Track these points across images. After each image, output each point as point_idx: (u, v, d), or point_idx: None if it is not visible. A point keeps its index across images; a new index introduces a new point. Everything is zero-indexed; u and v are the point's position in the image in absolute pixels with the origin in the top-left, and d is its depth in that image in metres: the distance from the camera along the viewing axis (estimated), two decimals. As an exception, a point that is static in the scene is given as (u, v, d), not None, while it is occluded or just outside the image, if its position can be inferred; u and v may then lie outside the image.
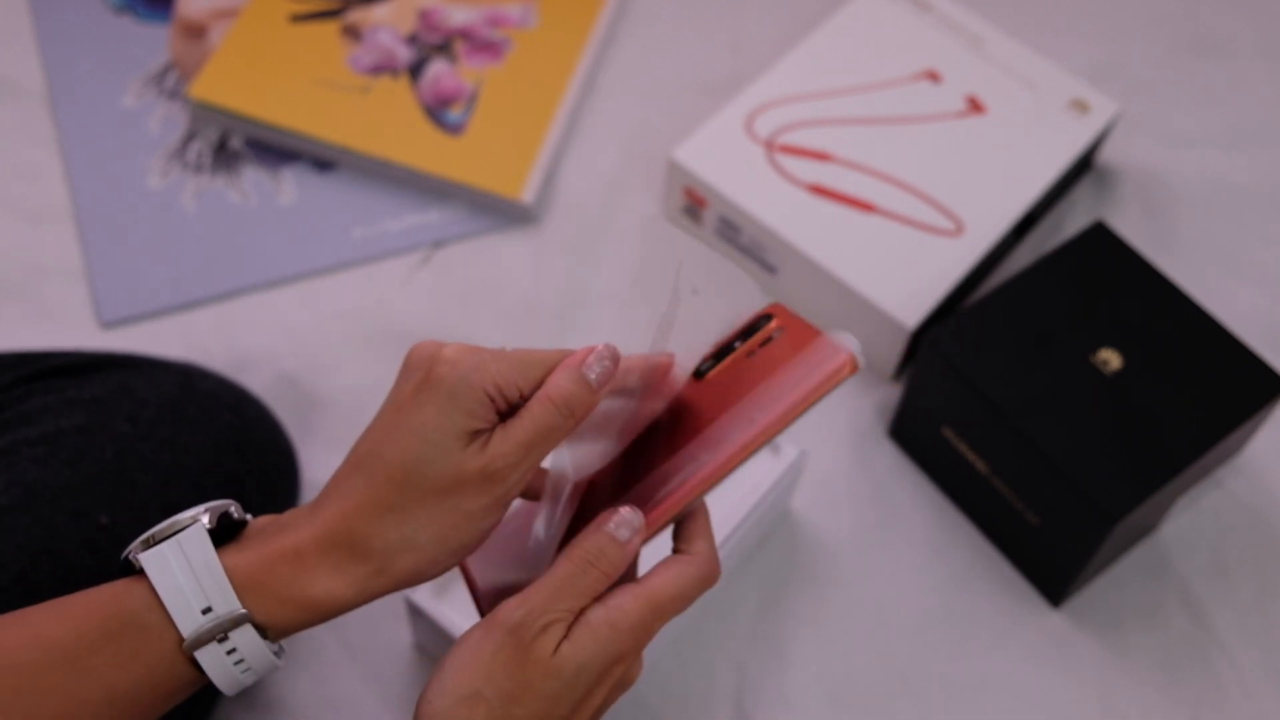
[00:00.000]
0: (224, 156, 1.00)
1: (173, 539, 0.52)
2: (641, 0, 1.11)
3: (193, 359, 0.88)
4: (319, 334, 0.92)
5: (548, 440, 0.54)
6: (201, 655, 0.51)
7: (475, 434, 0.53)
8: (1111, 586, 0.85)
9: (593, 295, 0.95)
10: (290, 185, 0.99)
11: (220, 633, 0.51)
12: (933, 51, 1.00)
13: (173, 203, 0.97)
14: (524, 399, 0.54)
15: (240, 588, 0.51)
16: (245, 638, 0.51)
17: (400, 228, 0.97)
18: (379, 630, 0.81)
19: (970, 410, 0.81)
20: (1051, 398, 0.79)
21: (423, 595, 0.74)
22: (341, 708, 0.78)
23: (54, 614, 0.52)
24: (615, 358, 0.55)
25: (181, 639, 0.51)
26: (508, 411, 0.54)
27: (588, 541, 0.53)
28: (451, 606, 0.74)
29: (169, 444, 0.71)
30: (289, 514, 0.54)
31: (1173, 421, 0.78)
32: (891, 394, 0.92)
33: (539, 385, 0.54)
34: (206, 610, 0.51)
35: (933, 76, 0.99)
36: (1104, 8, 1.13)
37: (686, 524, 0.56)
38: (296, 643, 0.80)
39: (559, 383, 0.54)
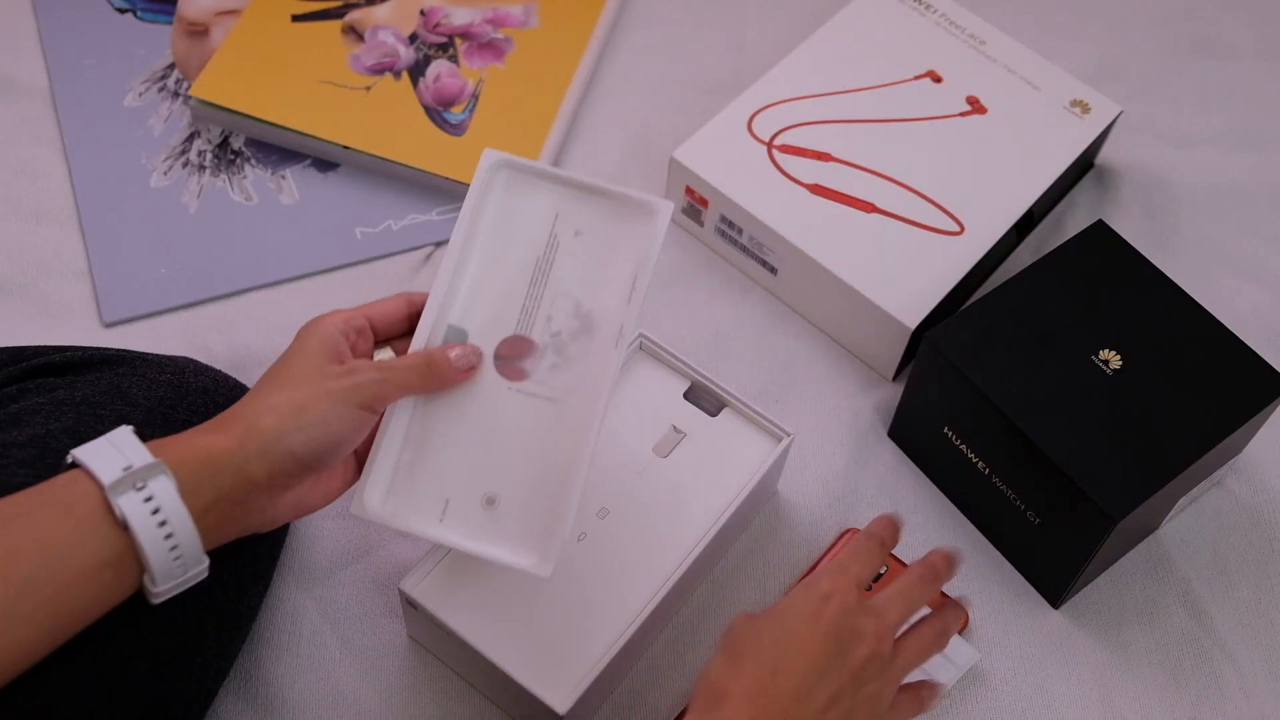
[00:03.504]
0: (226, 156, 1.00)
1: (100, 438, 0.60)
2: (643, 0, 1.11)
3: (194, 358, 0.89)
4: (320, 333, 0.92)
5: (404, 375, 0.68)
6: (124, 501, 0.58)
7: (338, 356, 0.67)
8: (1111, 586, 0.85)
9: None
10: (292, 185, 0.99)
11: (138, 480, 0.58)
12: (934, 51, 1.00)
13: (175, 202, 0.97)
14: (376, 333, 0.70)
15: (151, 449, 0.60)
16: (161, 487, 0.59)
17: (401, 227, 0.97)
18: (376, 627, 0.81)
19: (970, 410, 0.81)
20: (1051, 398, 0.79)
21: (417, 589, 0.74)
22: (340, 702, 0.78)
23: (24, 459, 0.62)
24: (479, 356, 0.71)
25: (103, 489, 0.58)
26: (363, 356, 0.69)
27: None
28: (446, 601, 0.75)
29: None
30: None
31: (1173, 421, 0.78)
32: (891, 394, 0.92)
33: (385, 318, 0.70)
34: (126, 467, 0.58)
35: (934, 76, 0.99)
36: (1105, 8, 1.13)
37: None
38: (296, 640, 0.80)
39: (432, 350, 0.69)
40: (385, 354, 0.72)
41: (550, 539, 0.68)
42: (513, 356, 0.71)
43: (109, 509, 0.58)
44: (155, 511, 0.59)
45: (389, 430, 0.70)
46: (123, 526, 0.58)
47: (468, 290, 0.72)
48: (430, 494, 0.70)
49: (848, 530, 0.85)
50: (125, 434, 0.61)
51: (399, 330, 0.72)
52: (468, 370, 0.70)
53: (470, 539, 0.69)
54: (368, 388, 0.65)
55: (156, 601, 0.61)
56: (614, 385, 0.70)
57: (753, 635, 0.64)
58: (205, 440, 0.62)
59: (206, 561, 0.61)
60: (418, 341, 0.70)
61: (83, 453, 0.60)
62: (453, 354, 0.70)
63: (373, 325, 0.70)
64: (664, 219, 0.71)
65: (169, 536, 0.59)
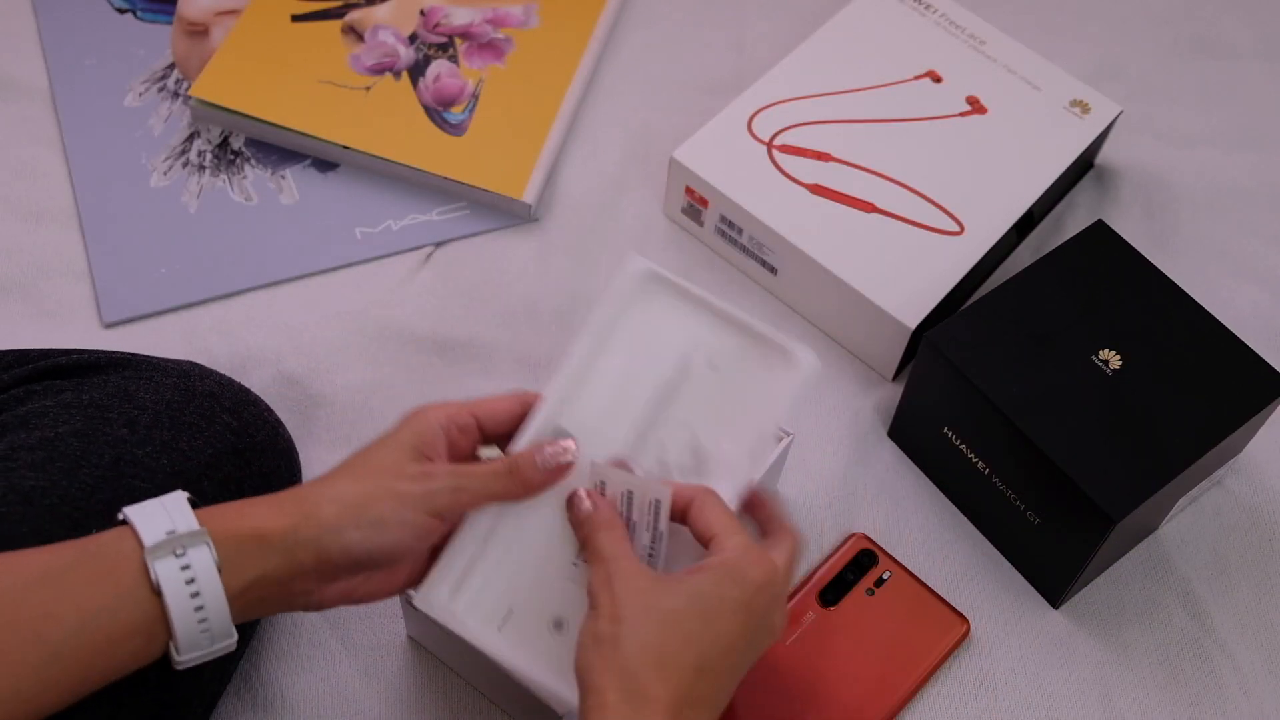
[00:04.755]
0: (226, 156, 1.00)
1: (155, 499, 0.60)
2: (643, 0, 1.11)
3: (194, 359, 0.89)
4: (321, 333, 0.92)
5: (485, 485, 0.64)
6: (160, 566, 0.57)
7: (427, 456, 0.64)
8: (1111, 586, 0.85)
9: (594, 294, 0.95)
10: (292, 185, 0.99)
11: (178, 546, 0.57)
12: (934, 51, 1.00)
13: (175, 202, 0.97)
14: (483, 430, 0.67)
15: (200, 516, 0.59)
16: (200, 557, 0.58)
17: (401, 227, 0.97)
18: (376, 628, 0.81)
19: (970, 410, 0.81)
20: (1051, 398, 0.79)
21: (417, 587, 0.74)
22: (341, 703, 0.78)
23: (34, 548, 0.59)
24: (570, 458, 0.65)
25: (143, 550, 0.57)
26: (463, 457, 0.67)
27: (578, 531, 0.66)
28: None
29: (167, 448, 0.70)
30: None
31: (1173, 421, 0.78)
32: (891, 394, 0.92)
33: (495, 417, 0.67)
34: (170, 531, 0.58)
35: (934, 76, 0.99)
36: (1105, 8, 1.13)
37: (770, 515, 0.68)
38: (296, 640, 0.80)
39: (518, 454, 0.65)
40: (492, 451, 0.68)
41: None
42: None
43: (146, 573, 0.57)
44: (190, 581, 0.57)
45: (467, 526, 0.66)
46: (156, 592, 0.57)
47: (584, 400, 0.68)
48: (495, 601, 0.66)
49: (853, 534, 0.85)
50: (178, 499, 0.60)
51: (508, 430, 0.68)
52: (555, 471, 0.65)
53: (527, 659, 0.65)
54: (441, 496, 0.62)
55: (180, 669, 0.59)
56: None
57: (679, 629, 0.60)
58: (259, 516, 0.60)
59: (235, 636, 0.60)
60: (518, 443, 0.66)
61: (133, 512, 0.59)
62: (539, 456, 0.65)
63: (480, 423, 0.67)
64: (807, 372, 0.66)
65: (200, 609, 0.58)
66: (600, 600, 0.61)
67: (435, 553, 0.67)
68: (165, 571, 0.57)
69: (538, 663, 0.65)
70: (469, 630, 0.65)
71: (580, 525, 0.65)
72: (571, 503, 0.65)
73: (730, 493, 0.66)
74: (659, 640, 0.59)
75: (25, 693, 0.55)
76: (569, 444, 0.65)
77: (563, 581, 0.66)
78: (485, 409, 0.67)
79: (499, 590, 0.66)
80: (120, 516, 0.59)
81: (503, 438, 0.68)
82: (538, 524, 0.67)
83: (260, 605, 0.61)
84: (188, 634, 0.58)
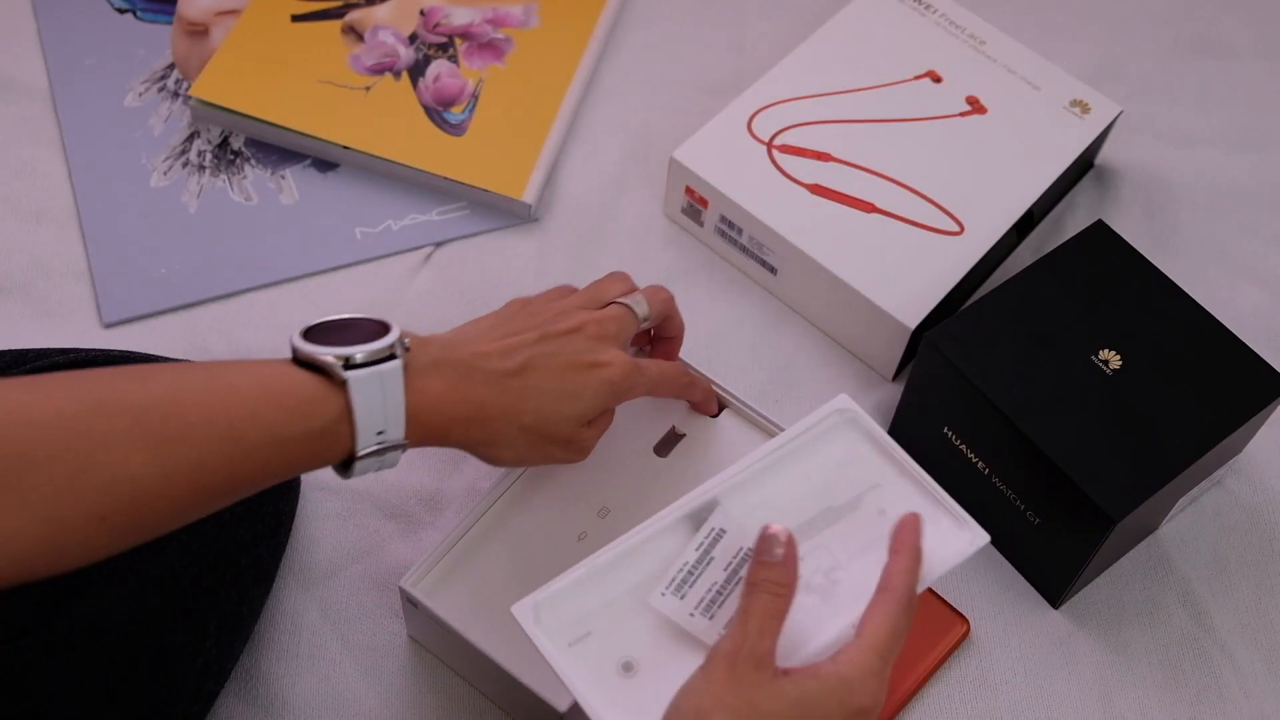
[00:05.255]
0: (226, 156, 1.00)
1: (374, 371, 0.61)
2: (643, 0, 1.11)
3: (194, 359, 0.89)
4: (320, 333, 0.92)
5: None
6: (360, 465, 0.62)
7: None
8: (1111, 586, 0.85)
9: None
10: (292, 185, 0.99)
11: (382, 451, 0.62)
12: (934, 51, 1.00)
13: (175, 202, 0.97)
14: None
15: (411, 422, 0.63)
16: (393, 457, 0.63)
17: (401, 227, 0.97)
18: (376, 627, 0.81)
19: (970, 410, 0.81)
20: (1051, 398, 0.79)
21: (417, 587, 0.74)
22: (340, 703, 0.78)
23: (260, 397, 0.60)
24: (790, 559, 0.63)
25: (353, 449, 0.62)
26: None
27: (749, 573, 0.61)
28: (446, 599, 0.75)
29: None
30: (464, 360, 0.67)
31: (1173, 421, 0.78)
32: (891, 394, 0.92)
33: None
34: (380, 432, 0.62)
35: (934, 76, 0.99)
36: (1105, 8, 1.13)
37: (887, 565, 0.64)
38: (297, 641, 0.80)
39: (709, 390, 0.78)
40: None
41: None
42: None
43: (347, 456, 0.62)
44: (376, 469, 0.64)
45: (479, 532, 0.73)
46: (349, 470, 0.63)
47: (747, 492, 0.67)
48: (579, 620, 0.65)
49: None
50: (395, 379, 0.63)
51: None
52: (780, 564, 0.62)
53: (589, 686, 0.63)
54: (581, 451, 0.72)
55: (352, 475, 0.64)
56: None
57: None
58: (448, 439, 0.67)
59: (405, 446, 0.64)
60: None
61: (357, 394, 0.61)
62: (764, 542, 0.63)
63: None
64: (973, 546, 0.66)
65: (374, 471, 0.64)
66: (713, 671, 0.59)
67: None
68: (363, 466, 0.63)
69: (601, 697, 0.63)
70: (540, 641, 0.64)
71: (753, 571, 0.62)
72: (764, 535, 0.62)
73: (837, 622, 0.64)
74: None
75: (210, 463, 0.57)
76: (793, 541, 0.63)
77: (647, 623, 0.65)
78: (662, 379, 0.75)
79: (586, 613, 0.65)
80: (341, 358, 0.61)
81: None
82: (641, 558, 0.66)
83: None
84: (353, 476, 0.64)
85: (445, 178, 0.98)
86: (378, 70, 1.03)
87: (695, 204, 0.96)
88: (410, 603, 0.74)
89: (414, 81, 1.03)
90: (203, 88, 1.00)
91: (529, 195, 0.97)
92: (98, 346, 0.81)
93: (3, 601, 0.63)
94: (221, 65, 1.01)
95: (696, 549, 0.65)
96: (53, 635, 0.63)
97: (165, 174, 0.99)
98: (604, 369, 0.69)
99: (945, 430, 0.84)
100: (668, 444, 0.81)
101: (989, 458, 0.82)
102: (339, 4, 1.06)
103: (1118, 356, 0.81)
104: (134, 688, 0.66)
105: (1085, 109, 0.98)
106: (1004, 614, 0.84)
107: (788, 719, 0.57)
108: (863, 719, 0.59)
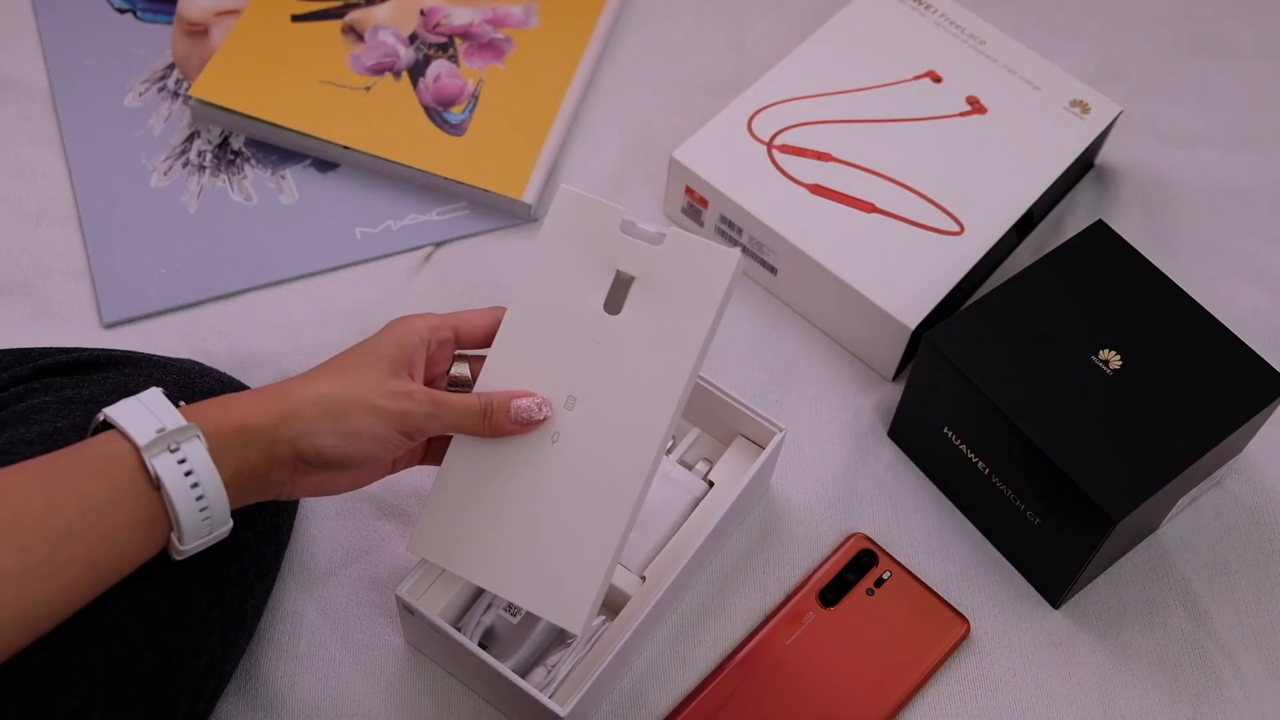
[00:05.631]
0: (226, 156, 1.00)
1: (130, 397, 0.61)
2: (643, 0, 1.11)
3: (194, 359, 0.89)
4: (321, 333, 0.92)
5: (459, 418, 0.67)
6: (158, 462, 0.59)
7: (404, 372, 0.67)
8: (1111, 586, 0.85)
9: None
10: (292, 185, 0.99)
11: (172, 441, 0.60)
12: (934, 51, 1.00)
13: (175, 202, 0.97)
14: (459, 343, 0.71)
15: (186, 414, 0.62)
16: (194, 450, 0.60)
17: (401, 227, 0.97)
18: (376, 628, 0.81)
19: (970, 410, 0.81)
20: (1051, 398, 0.79)
21: (414, 595, 0.74)
22: (340, 703, 0.78)
23: (33, 455, 0.60)
24: (544, 415, 0.68)
25: (139, 449, 0.59)
26: (438, 374, 0.71)
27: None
28: (440, 606, 0.75)
29: None
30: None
31: (1173, 421, 0.78)
32: (891, 394, 0.92)
33: (472, 331, 0.71)
34: (160, 430, 0.60)
35: (934, 76, 0.99)
36: (1105, 8, 1.13)
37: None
38: (296, 641, 0.80)
39: (495, 397, 0.68)
40: (462, 368, 0.71)
41: (583, 597, 0.68)
42: None
43: (144, 469, 0.59)
44: (188, 474, 0.60)
45: (448, 472, 0.70)
46: (156, 486, 0.60)
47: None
48: (479, 540, 0.69)
49: (853, 535, 0.85)
50: (155, 395, 0.62)
51: (484, 342, 0.72)
52: (527, 425, 0.69)
53: (509, 586, 0.69)
54: (414, 419, 0.66)
55: (179, 558, 0.62)
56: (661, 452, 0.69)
57: None
58: (243, 412, 0.63)
59: (231, 524, 0.63)
60: (485, 374, 0.70)
61: (115, 413, 0.61)
62: (513, 407, 0.68)
63: (459, 336, 0.71)
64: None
65: (200, 498, 0.61)
66: None
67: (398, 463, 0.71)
68: (164, 467, 0.59)
69: (521, 590, 0.69)
70: (459, 569, 0.70)
71: None
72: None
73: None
74: None
75: (38, 571, 0.57)
76: (544, 401, 0.68)
77: (532, 511, 0.69)
78: (464, 323, 0.71)
79: (480, 529, 0.70)
80: (100, 418, 0.61)
81: (479, 347, 0.72)
82: (509, 457, 0.70)
83: (243, 495, 0.64)
84: (191, 524, 0.61)
85: (445, 178, 0.98)
86: (378, 70, 1.03)
87: (695, 204, 0.96)
88: (407, 610, 0.74)
89: (414, 81, 1.03)
90: (203, 88, 1.00)
91: (529, 195, 0.97)
92: (98, 346, 0.80)
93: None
94: (221, 65, 1.01)
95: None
96: (56, 634, 0.63)
97: (165, 174, 0.99)
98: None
99: (945, 430, 0.84)
100: (618, 294, 0.71)
101: (989, 458, 0.82)
102: (339, 4, 1.06)
103: (1118, 356, 0.81)
104: (138, 686, 0.66)
105: (1085, 109, 0.98)
106: (1004, 614, 0.84)
107: None
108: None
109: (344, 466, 0.65)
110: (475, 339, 0.71)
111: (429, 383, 0.71)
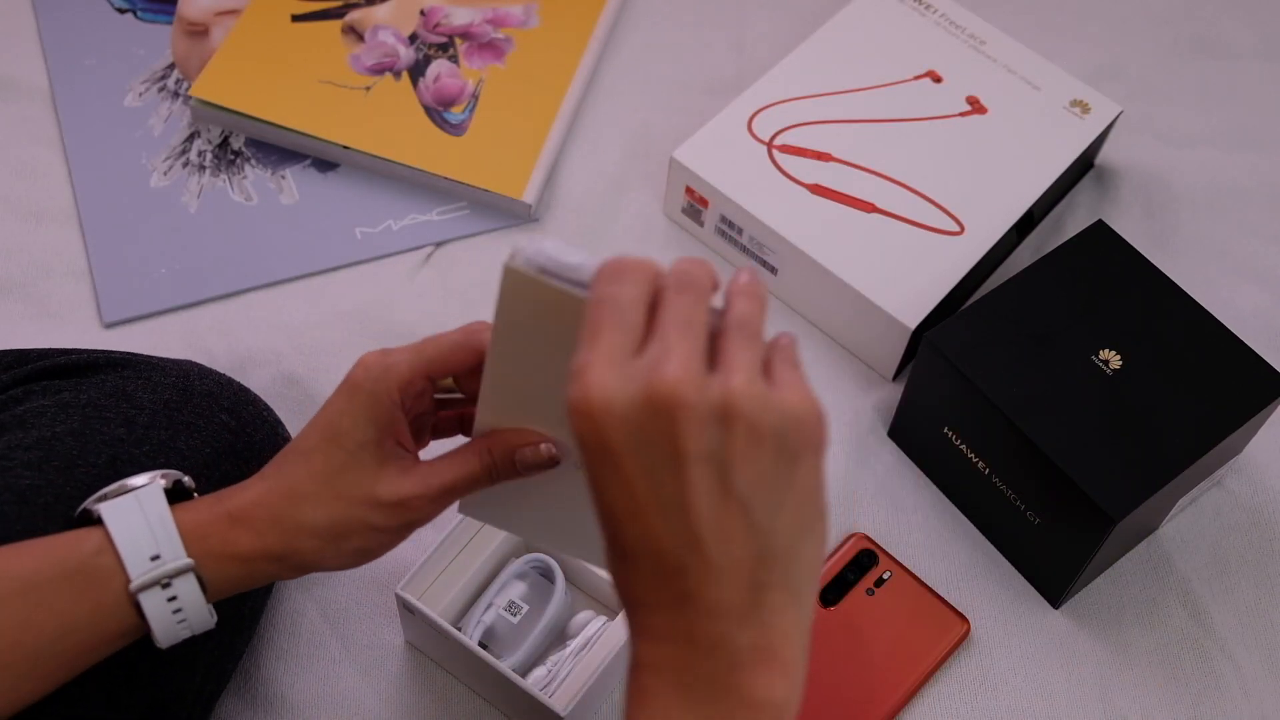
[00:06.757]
0: (226, 156, 1.00)
1: (130, 494, 0.59)
2: (643, 0, 1.11)
3: (194, 359, 0.89)
4: (321, 333, 0.92)
5: (465, 488, 0.61)
6: (145, 599, 0.58)
7: (392, 448, 0.61)
8: (1112, 586, 0.85)
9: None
10: (292, 185, 0.99)
11: (165, 579, 0.58)
12: (934, 51, 1.00)
13: (175, 202, 0.97)
14: (434, 385, 0.63)
15: (186, 538, 0.59)
16: (187, 587, 0.59)
17: (401, 227, 0.97)
18: (376, 628, 0.81)
19: (970, 410, 0.81)
20: (1051, 398, 0.79)
21: (414, 594, 0.74)
22: (340, 703, 0.78)
23: (14, 553, 0.59)
24: (553, 461, 0.61)
25: (129, 581, 0.57)
26: (423, 413, 0.64)
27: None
28: (440, 605, 0.75)
29: (164, 448, 0.70)
30: (232, 488, 0.62)
31: (1173, 421, 0.78)
32: (891, 394, 0.92)
33: (449, 371, 0.63)
34: (155, 557, 0.58)
35: (934, 76, 0.99)
36: (1105, 8, 1.13)
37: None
38: (296, 641, 0.80)
39: (495, 454, 0.61)
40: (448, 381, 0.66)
41: None
42: None
43: (129, 597, 0.58)
44: (176, 610, 0.59)
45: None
46: (140, 614, 0.59)
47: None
48: (525, 498, 0.64)
49: (853, 534, 0.85)
50: (155, 495, 0.60)
51: (461, 367, 0.64)
52: (536, 470, 0.62)
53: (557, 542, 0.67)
54: (417, 524, 0.62)
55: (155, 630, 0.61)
56: None
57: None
58: (242, 543, 0.60)
59: (214, 621, 0.62)
60: (481, 415, 0.62)
61: (110, 519, 0.59)
62: (518, 462, 0.62)
63: (432, 374, 0.63)
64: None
65: (182, 622, 0.60)
66: None
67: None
68: (152, 604, 0.58)
69: None
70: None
71: None
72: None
73: None
74: None
75: (11, 684, 0.57)
76: (549, 445, 0.62)
77: None
78: (437, 360, 0.62)
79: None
80: (94, 514, 0.59)
81: (457, 375, 0.65)
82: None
83: (232, 591, 0.63)
84: (169, 638, 0.60)
85: (445, 178, 0.98)
86: (378, 70, 1.03)
87: (695, 204, 0.96)
88: (407, 609, 0.74)
89: (414, 81, 1.03)
90: (203, 88, 1.00)
91: (529, 195, 0.97)
92: (98, 347, 0.80)
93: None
94: (221, 65, 1.01)
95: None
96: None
97: (165, 174, 0.99)
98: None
99: (945, 430, 0.84)
100: None
101: (989, 458, 0.82)
102: (339, 4, 1.06)
103: (1118, 356, 0.81)
104: (135, 688, 0.66)
105: (1085, 109, 0.98)
106: (1004, 614, 0.84)
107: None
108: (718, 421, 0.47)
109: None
110: (452, 366, 0.63)
111: (413, 422, 0.64)
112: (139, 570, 0.58)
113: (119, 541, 0.58)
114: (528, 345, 0.57)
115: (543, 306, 0.55)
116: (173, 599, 0.59)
